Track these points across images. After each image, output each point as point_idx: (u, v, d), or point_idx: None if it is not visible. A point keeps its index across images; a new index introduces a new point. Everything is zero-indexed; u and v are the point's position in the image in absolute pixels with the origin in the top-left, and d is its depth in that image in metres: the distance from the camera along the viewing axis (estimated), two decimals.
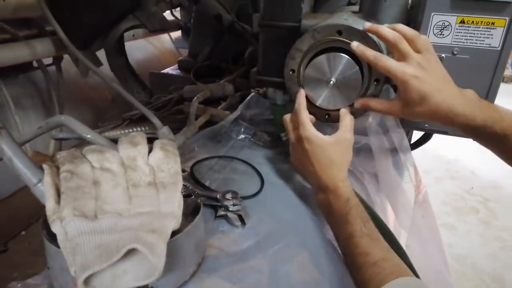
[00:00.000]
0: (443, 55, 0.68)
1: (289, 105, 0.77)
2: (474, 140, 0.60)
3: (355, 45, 0.60)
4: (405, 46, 0.57)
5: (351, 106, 0.66)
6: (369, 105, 0.64)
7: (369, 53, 0.59)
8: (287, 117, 0.69)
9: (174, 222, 0.42)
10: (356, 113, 0.68)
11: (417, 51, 0.57)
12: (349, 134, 0.64)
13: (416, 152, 0.92)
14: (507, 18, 0.63)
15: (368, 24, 0.59)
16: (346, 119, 0.65)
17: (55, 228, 0.38)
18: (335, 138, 0.63)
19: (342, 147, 0.63)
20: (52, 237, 0.40)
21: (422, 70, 0.56)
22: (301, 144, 0.64)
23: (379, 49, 0.61)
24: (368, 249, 0.52)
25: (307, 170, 0.65)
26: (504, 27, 0.64)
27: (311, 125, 0.64)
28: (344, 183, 0.61)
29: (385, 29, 0.58)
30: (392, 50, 0.58)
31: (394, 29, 0.58)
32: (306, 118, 0.64)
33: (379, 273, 0.49)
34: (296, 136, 0.66)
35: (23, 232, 0.65)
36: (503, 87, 0.78)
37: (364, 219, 0.56)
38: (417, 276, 0.53)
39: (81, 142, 0.52)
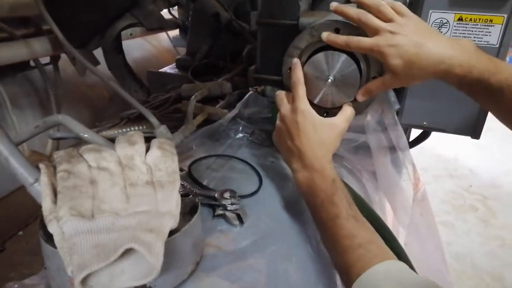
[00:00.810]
0: None
1: None
2: (468, 94, 0.58)
3: (324, 36, 0.60)
4: (370, 19, 0.56)
5: (353, 101, 0.66)
6: (370, 89, 0.63)
7: (339, 39, 0.59)
8: (282, 93, 0.67)
9: (172, 221, 0.42)
10: (359, 107, 0.67)
11: (388, 20, 0.56)
12: (345, 123, 0.63)
13: (414, 150, 0.92)
14: (505, 15, 0.63)
15: (333, 5, 0.60)
16: (347, 110, 0.64)
17: (52, 228, 0.38)
18: (330, 121, 0.62)
19: (334, 132, 0.62)
20: (49, 237, 0.39)
21: (394, 36, 0.55)
22: (293, 115, 0.62)
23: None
24: (354, 231, 0.52)
25: (291, 144, 0.63)
26: (502, 24, 0.64)
27: (307, 101, 0.63)
28: (330, 164, 0.60)
29: (349, 8, 0.58)
30: (363, 28, 0.58)
31: (358, 2, 0.58)
32: (303, 92, 0.63)
33: (364, 255, 0.48)
34: (290, 108, 0.63)
35: (20, 232, 0.64)
36: None
37: (349, 201, 0.55)
38: (413, 270, 0.52)
39: (79, 141, 0.52)
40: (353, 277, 0.47)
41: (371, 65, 0.64)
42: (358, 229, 0.52)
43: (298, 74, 0.64)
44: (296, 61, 0.65)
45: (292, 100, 0.63)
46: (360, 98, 0.64)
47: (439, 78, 0.57)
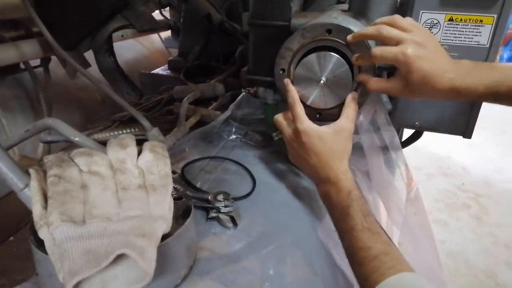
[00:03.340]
0: None
1: (280, 104, 0.77)
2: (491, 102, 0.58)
3: (354, 59, 0.61)
4: (391, 30, 0.55)
5: (355, 90, 0.65)
6: (368, 82, 0.61)
7: (367, 55, 0.59)
8: (279, 116, 0.68)
9: (165, 226, 0.41)
10: (363, 98, 0.67)
11: (406, 31, 0.55)
12: (350, 123, 0.63)
13: (407, 149, 0.92)
14: (495, 16, 0.63)
15: (349, 37, 0.59)
16: (350, 108, 0.64)
17: (43, 233, 0.37)
18: (334, 128, 0.62)
19: (342, 137, 0.62)
20: (40, 243, 0.39)
21: (421, 47, 0.54)
22: (298, 138, 0.63)
23: (367, 48, 0.61)
24: (369, 243, 0.52)
25: (306, 164, 0.64)
26: (492, 24, 0.64)
27: (306, 118, 0.63)
28: (346, 175, 0.60)
29: (367, 30, 0.57)
30: (384, 42, 0.57)
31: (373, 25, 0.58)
32: (301, 111, 0.63)
33: (379, 267, 0.49)
34: (292, 131, 0.65)
35: (11, 238, 0.64)
36: None
37: (365, 212, 0.56)
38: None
39: (71, 145, 0.51)
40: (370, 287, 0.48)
41: (363, 66, 0.64)
42: (374, 241, 0.52)
43: (293, 94, 0.65)
44: (287, 81, 0.67)
45: (293, 121, 0.64)
46: (358, 79, 0.63)
47: (448, 99, 0.57)
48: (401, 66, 0.55)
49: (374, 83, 0.61)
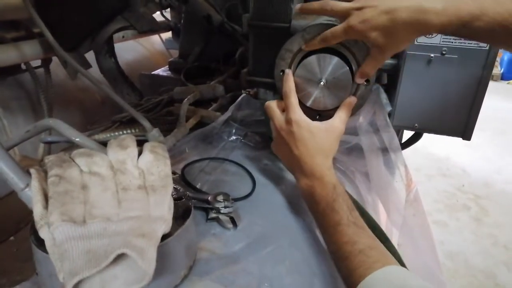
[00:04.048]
0: (432, 55, 0.68)
1: None
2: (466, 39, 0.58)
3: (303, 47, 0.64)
4: (334, 4, 0.57)
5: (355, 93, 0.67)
6: (365, 71, 0.62)
7: (314, 41, 0.62)
8: (272, 102, 0.68)
9: (164, 226, 0.41)
10: (362, 100, 0.68)
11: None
12: (342, 124, 0.64)
13: (407, 150, 0.92)
14: None
15: (297, 7, 0.61)
16: (344, 111, 0.65)
17: (43, 233, 0.37)
18: (326, 125, 0.63)
19: (332, 136, 0.63)
20: (41, 243, 0.39)
21: (362, 11, 0.54)
22: (289, 127, 0.63)
23: (366, 48, 0.62)
24: (355, 237, 0.52)
25: (291, 154, 0.63)
26: None
27: (299, 109, 0.63)
28: (330, 171, 0.61)
29: (310, 4, 0.59)
30: (332, 15, 0.59)
31: None
32: (295, 101, 0.64)
33: (365, 261, 0.49)
34: (284, 119, 0.64)
35: (11, 238, 0.64)
36: (492, 85, 0.79)
37: (350, 207, 0.56)
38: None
39: (71, 145, 0.51)
40: (354, 283, 0.48)
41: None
42: (359, 235, 0.52)
43: (290, 84, 0.65)
44: (288, 71, 0.67)
45: (286, 111, 0.64)
46: (359, 80, 0.64)
47: (422, 34, 0.56)
48: (357, 37, 0.58)
49: (364, 68, 0.62)
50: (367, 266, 0.48)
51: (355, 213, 0.55)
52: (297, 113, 0.63)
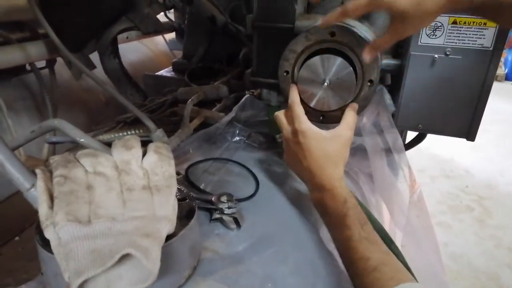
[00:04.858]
0: (436, 55, 0.68)
1: (284, 106, 0.77)
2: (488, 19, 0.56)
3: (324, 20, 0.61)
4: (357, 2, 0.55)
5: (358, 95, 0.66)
6: (379, 44, 0.60)
7: (334, 14, 0.59)
8: (280, 113, 0.68)
9: (169, 226, 0.42)
10: (365, 101, 0.67)
11: None
12: (349, 131, 0.63)
13: (410, 152, 0.92)
14: None
15: (322, 20, 0.60)
16: (349, 116, 0.64)
17: (49, 233, 0.37)
18: (332, 133, 0.62)
19: (340, 143, 0.61)
20: (46, 242, 0.39)
21: None
22: (295, 138, 0.62)
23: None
24: (367, 253, 0.51)
25: (301, 166, 0.63)
26: (496, 27, 0.64)
27: (306, 119, 0.63)
28: (341, 182, 0.59)
29: (348, 7, 0.57)
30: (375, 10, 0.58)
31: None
32: (301, 111, 0.63)
33: (379, 279, 0.48)
34: (291, 130, 0.64)
35: (17, 237, 0.64)
36: (496, 85, 0.79)
37: (362, 221, 0.54)
38: (413, 276, 0.52)
39: (76, 146, 0.52)
40: None
41: (366, 68, 0.64)
42: (372, 251, 0.51)
43: (294, 96, 0.65)
44: (292, 85, 0.67)
45: (292, 122, 0.64)
46: (368, 59, 0.61)
47: (451, 6, 0.53)
48: (384, 7, 0.54)
49: (378, 41, 0.60)
50: (381, 283, 0.47)
51: (367, 228, 0.54)
52: (303, 123, 0.62)
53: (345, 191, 0.58)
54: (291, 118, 0.64)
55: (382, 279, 0.48)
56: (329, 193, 0.58)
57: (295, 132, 0.63)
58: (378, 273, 0.49)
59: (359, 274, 0.51)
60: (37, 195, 0.40)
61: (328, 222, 0.59)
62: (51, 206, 0.39)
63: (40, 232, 0.40)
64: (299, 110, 0.63)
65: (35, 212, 0.40)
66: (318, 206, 0.61)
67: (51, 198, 0.40)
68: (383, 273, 0.49)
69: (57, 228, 0.37)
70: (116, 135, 0.82)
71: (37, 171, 0.42)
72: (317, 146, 0.60)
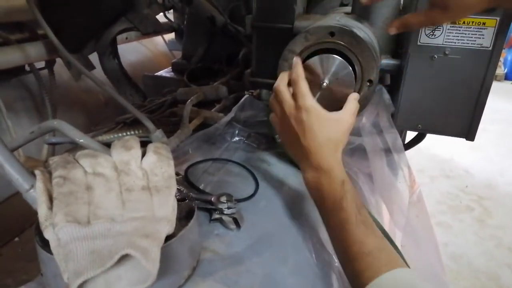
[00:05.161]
0: (435, 55, 0.68)
1: None
2: None
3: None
4: None
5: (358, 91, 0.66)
6: (409, 22, 0.60)
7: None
8: (282, 86, 0.62)
9: (168, 227, 0.42)
10: (365, 100, 0.67)
11: None
12: (351, 117, 0.60)
13: (410, 152, 0.92)
14: (498, 18, 0.63)
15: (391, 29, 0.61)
16: (352, 103, 0.62)
17: (48, 234, 0.37)
18: (336, 116, 0.59)
19: (342, 127, 0.59)
20: (45, 243, 0.39)
21: None
22: (298, 114, 0.58)
23: (371, 52, 0.62)
24: (363, 237, 0.50)
25: (298, 144, 0.59)
26: (495, 27, 0.64)
27: (311, 96, 0.59)
28: (339, 165, 0.57)
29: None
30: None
31: None
32: (305, 87, 0.59)
33: (373, 263, 0.47)
34: (294, 105, 0.60)
35: (16, 238, 0.64)
36: (495, 85, 0.79)
37: (359, 205, 0.53)
38: (407, 265, 0.52)
39: (75, 146, 0.52)
40: (362, 285, 0.47)
41: (365, 68, 0.64)
42: (368, 236, 0.51)
43: (298, 71, 0.61)
44: (296, 58, 0.63)
45: (295, 98, 0.60)
46: (393, 30, 0.61)
47: (495, 4, 0.54)
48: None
49: (410, 18, 0.60)
50: (375, 268, 0.47)
51: (364, 212, 0.53)
52: (308, 100, 0.58)
53: (343, 173, 0.56)
54: (294, 93, 0.61)
55: (376, 264, 0.47)
56: (327, 174, 0.56)
57: (298, 108, 0.59)
58: (372, 258, 0.48)
59: (352, 258, 0.50)
60: (37, 196, 0.40)
61: (322, 206, 0.57)
62: (51, 207, 0.39)
63: (39, 233, 0.40)
64: (304, 85, 0.59)
65: (35, 213, 0.40)
66: (313, 188, 0.58)
67: (51, 199, 0.40)
68: (377, 258, 0.48)
69: (56, 229, 0.37)
70: (116, 135, 0.82)
71: (36, 172, 0.42)
72: (320, 125, 0.58)
